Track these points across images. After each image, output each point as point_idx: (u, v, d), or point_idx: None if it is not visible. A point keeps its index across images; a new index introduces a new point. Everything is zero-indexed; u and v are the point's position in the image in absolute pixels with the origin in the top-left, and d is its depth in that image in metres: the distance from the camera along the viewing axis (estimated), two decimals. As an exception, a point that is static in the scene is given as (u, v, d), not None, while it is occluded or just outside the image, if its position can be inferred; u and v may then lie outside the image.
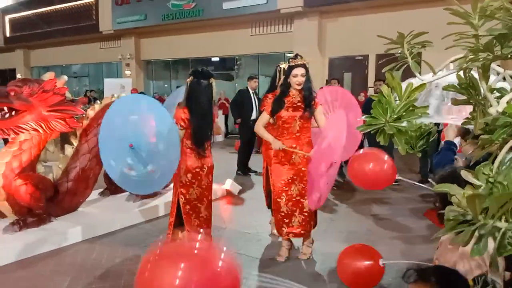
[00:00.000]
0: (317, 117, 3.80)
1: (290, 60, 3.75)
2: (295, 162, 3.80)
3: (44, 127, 4.35)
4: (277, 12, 12.25)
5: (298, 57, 3.73)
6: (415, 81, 1.17)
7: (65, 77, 4.77)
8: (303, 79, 3.67)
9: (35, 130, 4.31)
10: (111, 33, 16.51)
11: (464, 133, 2.51)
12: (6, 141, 4.64)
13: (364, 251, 3.18)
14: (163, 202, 5.37)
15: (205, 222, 3.83)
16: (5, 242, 3.99)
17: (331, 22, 12.21)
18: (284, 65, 4.02)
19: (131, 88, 14.03)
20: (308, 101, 3.73)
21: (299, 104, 3.73)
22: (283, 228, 3.88)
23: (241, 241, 4.44)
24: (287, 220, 3.84)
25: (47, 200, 4.49)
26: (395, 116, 1.06)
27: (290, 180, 3.82)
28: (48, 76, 4.63)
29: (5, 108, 4.12)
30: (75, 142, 4.93)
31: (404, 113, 1.06)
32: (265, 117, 3.83)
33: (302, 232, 3.87)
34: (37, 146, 4.49)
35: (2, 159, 4.27)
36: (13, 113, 4.16)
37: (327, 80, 9.79)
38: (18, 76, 20.66)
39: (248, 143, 7.93)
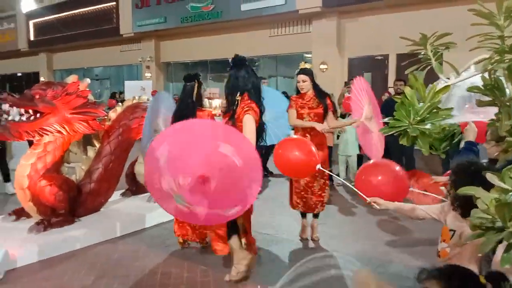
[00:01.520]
0: (328, 117, 4.22)
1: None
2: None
3: (68, 129, 4.44)
4: (296, 12, 12.23)
5: (301, 63, 4.03)
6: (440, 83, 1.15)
7: (88, 80, 4.86)
8: (305, 84, 4.12)
9: (59, 132, 4.40)
10: (131, 36, 16.75)
11: (498, 137, 2.43)
12: (30, 143, 4.75)
13: None
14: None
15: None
16: (30, 241, 4.07)
17: (350, 22, 12.12)
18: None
19: (151, 90, 14.18)
20: (319, 102, 4.18)
21: (313, 105, 4.18)
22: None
23: (259, 242, 4.45)
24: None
25: (71, 201, 4.57)
26: (419, 118, 1.05)
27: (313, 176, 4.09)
28: (71, 79, 4.72)
29: (30, 111, 4.22)
30: (98, 144, 5.01)
31: (427, 115, 1.05)
32: (292, 112, 4.21)
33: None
34: (61, 148, 4.58)
35: (27, 161, 4.38)
36: (38, 115, 4.26)
37: (346, 82, 9.71)
38: (42, 79, 21.13)
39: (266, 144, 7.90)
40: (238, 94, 3.38)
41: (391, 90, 9.09)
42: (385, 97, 8.87)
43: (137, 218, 4.93)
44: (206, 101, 12.61)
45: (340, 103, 7.89)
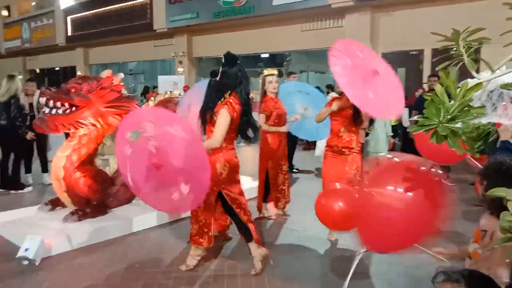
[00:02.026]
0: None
1: None
2: None
3: (102, 123, 4.57)
4: (328, 7, 12.07)
5: None
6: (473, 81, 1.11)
7: (122, 75, 4.97)
8: None
9: (93, 125, 4.54)
10: (164, 31, 16.95)
11: None
12: (67, 135, 4.91)
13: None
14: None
15: None
16: (65, 231, 4.22)
17: (384, 16, 11.85)
18: None
19: (183, 86, 14.35)
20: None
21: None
22: None
23: (288, 239, 4.44)
24: None
25: (104, 192, 4.71)
26: (449, 117, 1.01)
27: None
28: (106, 73, 4.84)
29: (66, 104, 4.37)
30: (130, 137, 5.12)
31: (458, 114, 1.02)
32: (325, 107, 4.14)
33: None
34: (95, 141, 4.71)
35: (63, 153, 4.53)
36: (73, 109, 4.40)
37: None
38: (78, 73, 21.71)
39: (291, 139, 7.85)
40: (228, 93, 3.40)
41: (425, 86, 8.86)
42: (418, 93, 8.67)
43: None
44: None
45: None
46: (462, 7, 10.16)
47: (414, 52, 11.69)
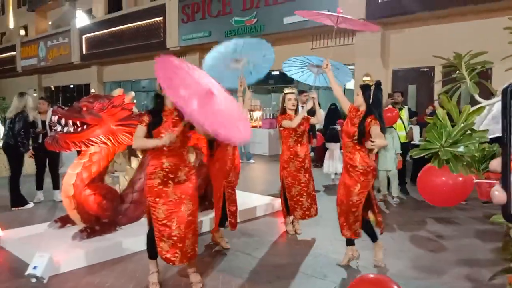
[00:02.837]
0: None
1: None
2: None
3: (113, 140, 4.60)
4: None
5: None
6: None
7: (132, 93, 5.04)
8: (357, 97, 4.08)
9: (104, 143, 4.57)
10: (177, 50, 17.20)
11: None
12: (79, 151, 4.96)
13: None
14: (209, 218, 5.38)
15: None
16: (74, 248, 4.23)
17: (395, 34, 11.88)
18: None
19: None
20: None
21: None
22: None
23: (293, 256, 4.40)
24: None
25: (114, 210, 4.72)
26: (451, 141, 1.00)
27: None
28: (117, 92, 4.91)
29: (78, 122, 4.42)
30: (141, 155, 5.15)
31: (461, 137, 1.00)
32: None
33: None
34: (106, 158, 4.75)
35: (74, 170, 4.57)
36: (85, 127, 4.45)
37: (389, 94, 9.52)
38: (92, 90, 22.08)
39: None
40: None
41: (436, 104, 8.80)
42: (429, 110, 8.62)
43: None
44: (248, 113, 12.73)
45: (382, 116, 7.72)
46: (473, 24, 10.14)
47: (425, 69, 11.64)
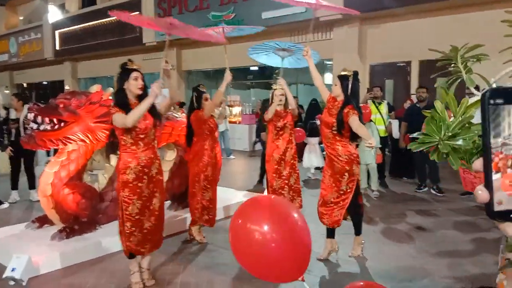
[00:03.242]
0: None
1: None
2: None
3: (91, 138, 4.50)
4: (317, 20, 12.17)
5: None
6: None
7: (111, 89, 4.92)
8: (335, 87, 4.09)
9: (82, 140, 4.47)
10: (153, 45, 16.95)
11: None
12: (55, 150, 4.83)
13: None
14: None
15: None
16: (53, 249, 4.12)
17: (372, 29, 11.99)
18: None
19: (173, 98, 14.29)
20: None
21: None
22: None
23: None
24: None
25: (93, 209, 4.62)
26: (450, 134, 1.00)
27: None
28: (95, 88, 4.79)
29: (55, 120, 4.30)
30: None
31: (459, 131, 1.00)
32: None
33: None
34: (84, 156, 4.64)
35: (51, 169, 4.45)
36: (62, 124, 4.33)
37: (368, 88, 9.61)
38: (66, 87, 21.56)
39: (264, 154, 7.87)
40: None
41: (414, 98, 8.93)
42: (407, 104, 8.73)
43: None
44: (227, 108, 12.65)
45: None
46: (448, 19, 10.33)
47: (402, 64, 11.81)
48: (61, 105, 4.39)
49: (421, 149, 1.05)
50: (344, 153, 3.90)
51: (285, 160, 5.03)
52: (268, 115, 5.04)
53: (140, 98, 3.41)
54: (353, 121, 3.79)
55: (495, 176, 0.61)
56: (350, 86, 3.93)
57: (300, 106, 10.45)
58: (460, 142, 0.99)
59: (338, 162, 3.91)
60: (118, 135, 3.39)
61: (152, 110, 3.48)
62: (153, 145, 3.50)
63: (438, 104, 1.02)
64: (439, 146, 1.00)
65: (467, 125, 1.01)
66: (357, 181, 4.00)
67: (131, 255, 3.53)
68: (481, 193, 0.61)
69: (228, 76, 4.68)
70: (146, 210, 3.43)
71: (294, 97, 5.65)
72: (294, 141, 5.15)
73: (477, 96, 1.04)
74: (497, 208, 0.61)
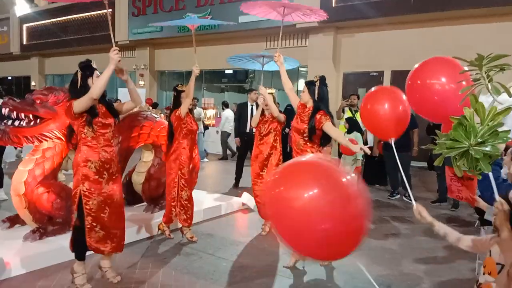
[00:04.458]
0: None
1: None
2: None
3: (68, 136, 4.35)
4: (293, 26, 12.28)
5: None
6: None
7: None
8: (303, 94, 4.15)
9: (59, 138, 4.32)
10: (126, 44, 16.66)
11: None
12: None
13: None
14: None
15: None
16: (25, 250, 3.96)
17: (347, 38, 12.22)
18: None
19: (146, 98, 14.10)
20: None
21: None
22: None
23: (257, 255, 4.39)
24: None
25: (68, 209, 4.46)
26: (480, 140, 1.02)
27: None
28: (73, 85, 4.64)
29: (31, 116, 4.14)
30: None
31: (487, 137, 1.03)
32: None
33: None
34: (60, 155, 4.49)
35: (25, 167, 4.28)
36: (38, 121, 4.17)
37: (344, 96, 9.79)
38: (33, 83, 20.87)
39: (240, 156, 7.90)
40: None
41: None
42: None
43: (133, 229, 4.82)
44: (201, 111, 12.56)
45: (339, 117, 7.92)
46: (420, 32, 10.67)
47: (375, 74, 12.08)
48: (38, 101, 4.23)
49: (450, 155, 1.07)
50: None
51: (267, 166, 5.03)
52: (252, 123, 5.24)
53: (101, 98, 3.49)
54: (329, 129, 3.85)
55: None
56: (317, 91, 3.99)
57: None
58: (488, 148, 1.02)
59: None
60: (78, 128, 3.38)
61: (111, 109, 3.56)
62: (112, 144, 3.51)
63: (466, 111, 1.05)
64: (470, 151, 1.02)
65: (495, 132, 1.04)
66: None
67: (80, 256, 3.50)
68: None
69: (195, 70, 4.77)
70: (106, 207, 3.41)
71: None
72: (279, 147, 5.14)
73: (505, 104, 1.07)
74: None
